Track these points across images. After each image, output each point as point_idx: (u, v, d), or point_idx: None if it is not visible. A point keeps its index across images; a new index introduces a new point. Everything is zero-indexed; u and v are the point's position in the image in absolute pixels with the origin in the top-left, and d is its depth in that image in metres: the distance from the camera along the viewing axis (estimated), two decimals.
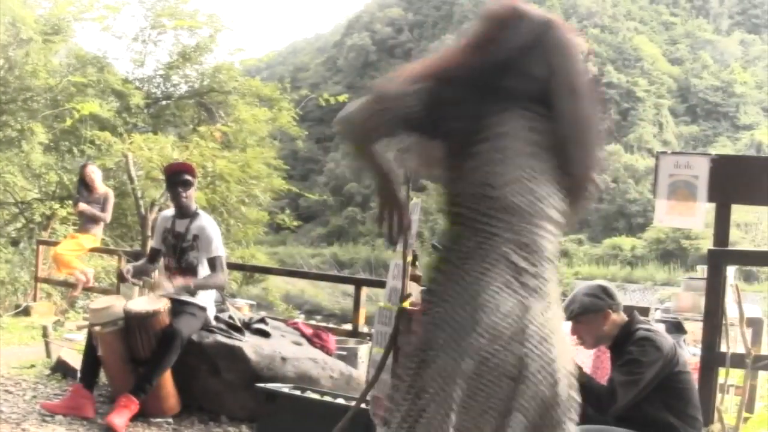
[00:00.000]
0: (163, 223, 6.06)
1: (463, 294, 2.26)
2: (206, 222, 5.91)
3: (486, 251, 2.28)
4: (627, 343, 3.77)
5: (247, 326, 6.28)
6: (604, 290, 3.88)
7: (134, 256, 8.90)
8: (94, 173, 9.81)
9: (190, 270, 5.84)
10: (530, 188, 2.30)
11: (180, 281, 5.76)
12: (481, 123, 2.28)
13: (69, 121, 13.78)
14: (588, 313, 3.83)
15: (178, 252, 5.88)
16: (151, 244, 6.48)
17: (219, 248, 5.87)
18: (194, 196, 6.06)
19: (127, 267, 5.96)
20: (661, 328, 4.51)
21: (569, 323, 3.90)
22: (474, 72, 2.31)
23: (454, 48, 2.42)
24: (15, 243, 13.17)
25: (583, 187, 2.44)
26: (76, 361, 6.39)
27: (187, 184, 5.90)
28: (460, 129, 2.31)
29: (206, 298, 5.90)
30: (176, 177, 5.96)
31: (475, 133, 2.29)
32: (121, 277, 5.81)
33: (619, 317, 3.86)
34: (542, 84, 2.34)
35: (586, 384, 3.70)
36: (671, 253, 45.23)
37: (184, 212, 5.93)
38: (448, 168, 2.38)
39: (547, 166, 2.33)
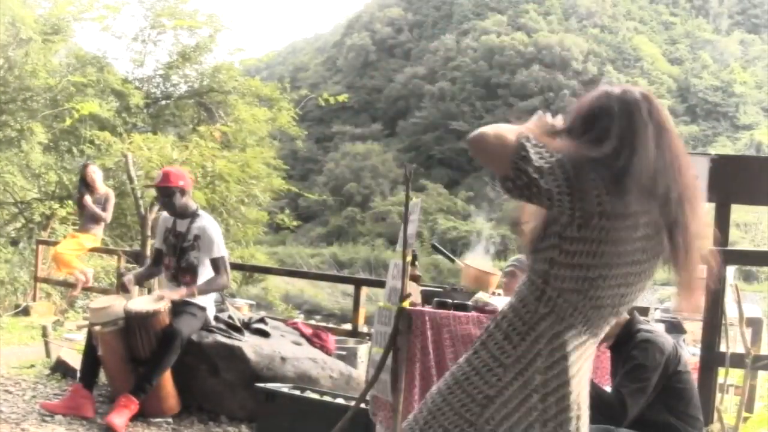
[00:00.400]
0: (164, 223, 6.05)
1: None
2: (207, 222, 5.90)
3: (557, 335, 2.29)
4: (629, 344, 3.77)
5: (247, 326, 6.28)
6: None
7: (134, 256, 8.91)
8: (95, 173, 9.81)
9: (191, 270, 5.83)
10: (622, 293, 2.30)
11: (183, 291, 5.75)
12: (603, 214, 2.20)
13: (68, 121, 13.78)
14: None
15: (179, 252, 5.88)
16: (153, 245, 6.47)
17: (221, 249, 5.87)
18: (188, 198, 5.98)
19: (129, 276, 5.98)
20: (660, 327, 4.51)
21: None
22: (593, 159, 2.21)
23: (566, 134, 2.32)
24: (14, 243, 13.16)
25: (693, 258, 2.38)
26: (75, 360, 6.40)
27: (173, 194, 5.88)
28: (583, 214, 2.21)
29: (206, 298, 5.90)
30: (159, 192, 6.04)
31: (594, 220, 2.21)
32: (120, 278, 5.84)
33: (623, 315, 3.87)
34: (653, 164, 2.25)
35: (597, 396, 3.70)
36: None
37: (183, 213, 5.93)
38: (552, 246, 2.30)
39: (648, 266, 2.32)
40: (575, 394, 2.30)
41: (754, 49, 72.34)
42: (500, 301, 4.77)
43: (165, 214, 6.20)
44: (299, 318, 12.53)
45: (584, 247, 2.24)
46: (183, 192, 5.89)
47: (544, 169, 2.15)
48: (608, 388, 4.19)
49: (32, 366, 6.97)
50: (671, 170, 2.28)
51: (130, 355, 5.51)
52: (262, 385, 5.17)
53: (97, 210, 9.58)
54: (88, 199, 9.58)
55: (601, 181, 2.18)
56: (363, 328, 7.83)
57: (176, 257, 5.89)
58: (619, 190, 2.19)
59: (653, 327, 3.97)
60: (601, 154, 2.21)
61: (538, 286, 2.31)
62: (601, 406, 3.64)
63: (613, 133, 2.25)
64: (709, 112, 67.36)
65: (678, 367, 3.73)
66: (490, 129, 2.23)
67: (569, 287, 2.26)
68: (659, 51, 72.05)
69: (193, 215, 5.91)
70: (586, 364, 2.38)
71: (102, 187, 9.85)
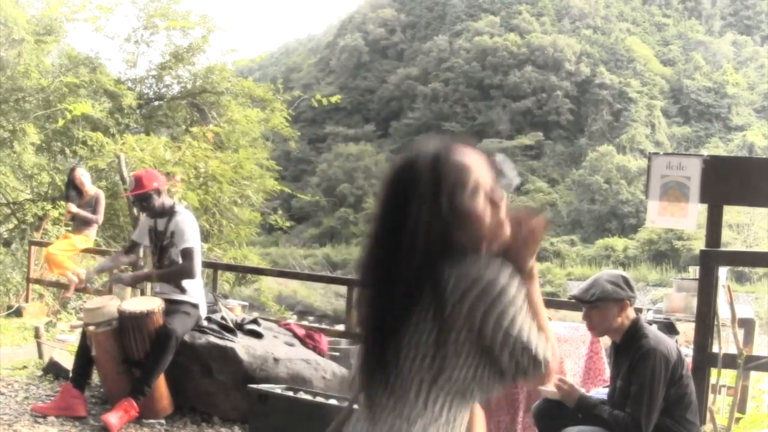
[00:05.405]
0: (147, 222, 6.10)
1: None
2: (182, 218, 5.92)
3: None
4: (633, 347, 3.77)
5: (240, 327, 6.28)
6: (627, 282, 3.92)
7: None
8: (83, 176, 9.80)
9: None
10: None
11: (141, 274, 6.05)
12: None
13: (61, 122, 13.74)
14: (607, 300, 3.85)
15: (159, 250, 5.93)
16: (131, 235, 6.52)
17: (190, 240, 5.84)
18: (163, 197, 6.00)
19: (87, 272, 6.26)
20: (653, 329, 4.52)
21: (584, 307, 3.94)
22: None
23: None
24: (7, 244, 13.12)
25: None
26: (68, 362, 6.39)
27: (149, 198, 5.90)
28: None
29: (198, 295, 5.90)
30: (136, 199, 6.08)
31: None
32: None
33: (632, 312, 3.89)
34: None
35: (612, 418, 3.71)
36: (663, 253, 45.33)
37: (162, 212, 5.96)
38: None
39: None
40: None
41: (747, 50, 72.55)
42: None
43: None
44: (292, 319, 12.51)
45: None
46: (159, 192, 5.93)
47: None
48: (604, 390, 4.21)
49: (25, 367, 6.95)
50: None
51: (124, 356, 5.51)
52: (255, 386, 5.17)
53: (87, 214, 9.56)
54: (72, 207, 9.55)
55: None
56: (356, 329, 7.82)
57: (158, 255, 5.95)
58: None
59: (656, 332, 3.98)
60: None
61: None
62: (617, 429, 3.66)
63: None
64: (702, 113, 67.47)
65: (682, 371, 3.74)
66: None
67: None
68: (652, 52, 72.13)
69: (171, 213, 5.94)
70: None
71: (91, 188, 9.84)
